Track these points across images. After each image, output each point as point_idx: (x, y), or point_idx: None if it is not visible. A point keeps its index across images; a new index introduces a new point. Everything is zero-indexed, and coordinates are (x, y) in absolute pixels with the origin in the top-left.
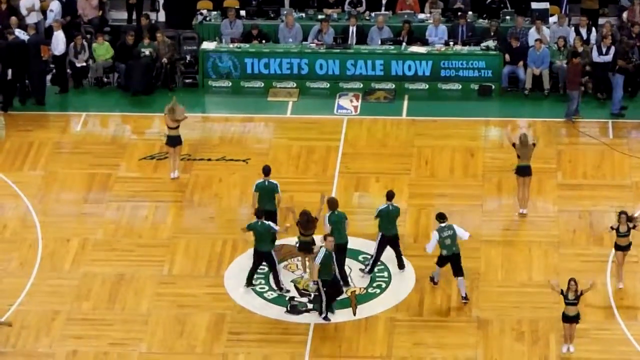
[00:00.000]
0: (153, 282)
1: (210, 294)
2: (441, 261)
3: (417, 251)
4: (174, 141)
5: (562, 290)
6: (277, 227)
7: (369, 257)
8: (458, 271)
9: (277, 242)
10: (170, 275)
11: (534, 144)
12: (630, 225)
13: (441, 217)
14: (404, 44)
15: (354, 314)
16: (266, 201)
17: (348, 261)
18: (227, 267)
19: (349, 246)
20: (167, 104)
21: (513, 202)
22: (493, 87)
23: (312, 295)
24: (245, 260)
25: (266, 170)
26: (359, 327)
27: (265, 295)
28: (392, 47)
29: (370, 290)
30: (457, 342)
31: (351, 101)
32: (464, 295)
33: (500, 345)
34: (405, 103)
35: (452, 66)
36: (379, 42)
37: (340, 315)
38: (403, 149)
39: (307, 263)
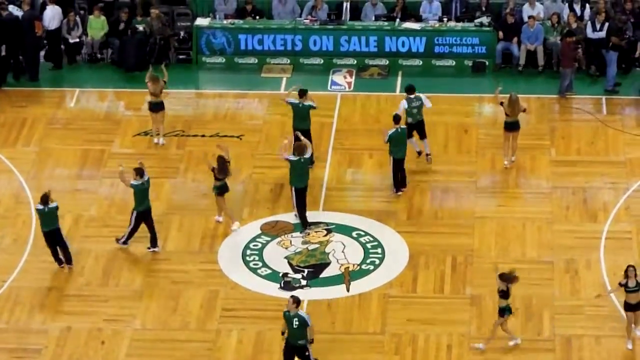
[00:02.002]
0: (147, 258)
1: (203, 270)
2: (409, 128)
3: (411, 228)
4: (155, 107)
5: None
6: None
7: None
8: (423, 135)
9: (272, 219)
10: (164, 251)
11: (524, 110)
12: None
13: (410, 89)
14: (397, 20)
15: (348, 290)
16: (300, 121)
17: (342, 237)
18: (220, 244)
19: (343, 223)
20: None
21: (507, 178)
22: (487, 63)
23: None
24: (238, 236)
25: (302, 93)
26: (353, 303)
27: (259, 271)
28: (386, 23)
29: (363, 266)
30: (451, 318)
31: (345, 77)
32: (428, 152)
33: (493, 322)
34: (399, 79)
35: (446, 42)
36: (373, 18)
37: (334, 292)
38: None
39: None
